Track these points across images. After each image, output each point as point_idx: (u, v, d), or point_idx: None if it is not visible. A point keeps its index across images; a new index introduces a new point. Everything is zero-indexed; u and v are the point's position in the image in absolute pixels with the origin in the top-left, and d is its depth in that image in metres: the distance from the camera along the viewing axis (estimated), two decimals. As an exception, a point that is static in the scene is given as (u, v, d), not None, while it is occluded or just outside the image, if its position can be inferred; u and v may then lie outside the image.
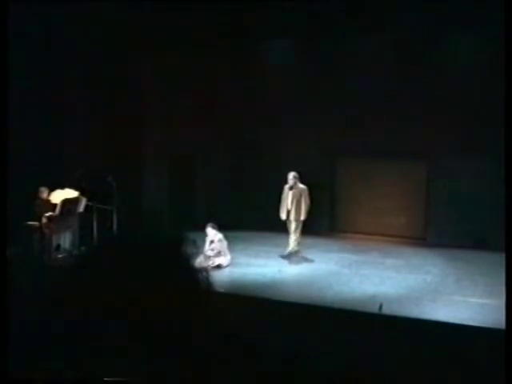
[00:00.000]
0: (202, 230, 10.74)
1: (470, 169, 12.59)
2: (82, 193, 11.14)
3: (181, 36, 12.60)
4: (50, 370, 1.14)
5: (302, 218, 11.57)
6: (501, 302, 5.68)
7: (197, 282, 1.18)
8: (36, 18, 11.42)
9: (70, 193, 11.06)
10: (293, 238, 11.64)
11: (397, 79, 12.74)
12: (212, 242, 10.86)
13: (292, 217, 11.59)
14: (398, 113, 12.78)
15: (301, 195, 11.56)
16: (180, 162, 14.17)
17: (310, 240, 12.90)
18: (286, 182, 12.16)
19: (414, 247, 12.78)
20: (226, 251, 10.94)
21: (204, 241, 10.76)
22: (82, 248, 10.91)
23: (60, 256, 10.81)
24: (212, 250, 10.77)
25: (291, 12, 12.39)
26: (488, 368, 4.67)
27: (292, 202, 11.57)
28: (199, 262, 10.58)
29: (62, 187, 11.05)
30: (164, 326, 1.12)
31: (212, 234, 10.93)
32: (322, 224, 13.74)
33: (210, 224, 11.03)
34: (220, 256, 10.85)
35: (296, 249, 11.63)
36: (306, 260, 11.54)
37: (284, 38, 13.55)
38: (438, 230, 12.92)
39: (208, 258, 10.57)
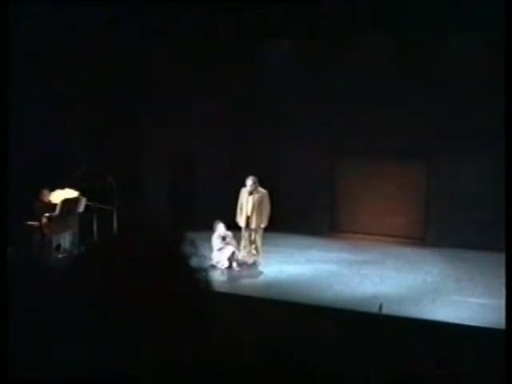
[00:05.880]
0: (202, 230, 10.72)
1: (470, 169, 12.58)
2: (82, 193, 11.14)
3: (181, 36, 12.60)
4: (49, 370, 1.14)
5: (264, 225, 10.94)
6: (501, 302, 5.68)
7: (196, 281, 1.18)
8: (36, 17, 11.41)
9: (70, 193, 11.06)
10: (253, 247, 11.05)
11: (397, 79, 12.73)
12: (224, 237, 10.89)
13: (253, 224, 10.88)
14: (398, 112, 12.77)
15: (262, 201, 10.86)
16: (180, 162, 14.18)
17: (310, 240, 12.92)
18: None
19: (414, 247, 12.78)
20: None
21: (203, 240, 10.76)
22: (82, 248, 10.90)
23: (60, 256, 10.81)
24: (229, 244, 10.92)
25: (291, 12, 12.38)
26: (488, 368, 4.67)
27: (253, 208, 10.83)
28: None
29: (62, 187, 11.05)
30: (163, 326, 1.12)
31: (223, 229, 10.97)
32: (322, 224, 13.73)
33: (219, 220, 11.03)
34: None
35: (259, 257, 11.11)
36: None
37: (284, 38, 13.54)
38: (438, 230, 12.91)
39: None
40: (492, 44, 11.02)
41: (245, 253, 11.12)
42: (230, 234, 11.02)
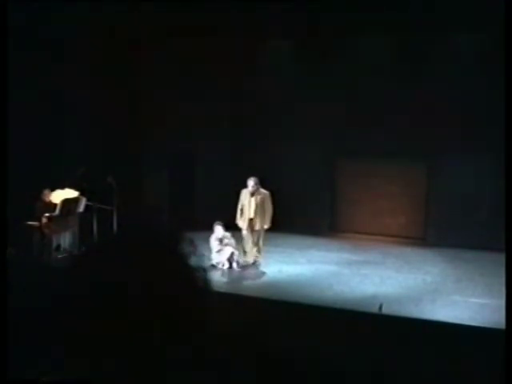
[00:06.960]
0: (202, 230, 10.71)
1: (470, 169, 12.58)
2: (82, 193, 11.14)
3: (181, 35, 12.60)
4: (49, 370, 1.14)
5: (267, 226, 10.80)
6: (501, 302, 5.68)
7: (195, 281, 1.18)
8: (36, 17, 11.42)
9: (70, 193, 11.06)
10: (255, 249, 10.92)
11: (397, 79, 12.72)
12: (221, 240, 10.83)
13: (257, 226, 10.72)
14: (398, 113, 12.76)
15: (264, 202, 10.69)
16: (180, 162, 14.17)
17: (310, 240, 12.92)
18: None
19: (414, 247, 12.78)
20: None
21: (203, 240, 10.73)
22: (82, 248, 10.90)
23: (60, 256, 10.81)
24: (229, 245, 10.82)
25: (291, 12, 12.38)
26: (488, 368, 4.68)
27: (256, 210, 10.65)
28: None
29: (62, 187, 11.05)
30: (163, 326, 1.12)
31: (222, 231, 10.85)
32: (322, 224, 13.73)
33: (219, 222, 10.92)
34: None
35: (260, 259, 11.02)
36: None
37: (284, 38, 13.53)
38: (438, 230, 12.91)
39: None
40: (492, 44, 11.02)
41: (249, 256, 10.97)
42: (228, 234, 10.96)
